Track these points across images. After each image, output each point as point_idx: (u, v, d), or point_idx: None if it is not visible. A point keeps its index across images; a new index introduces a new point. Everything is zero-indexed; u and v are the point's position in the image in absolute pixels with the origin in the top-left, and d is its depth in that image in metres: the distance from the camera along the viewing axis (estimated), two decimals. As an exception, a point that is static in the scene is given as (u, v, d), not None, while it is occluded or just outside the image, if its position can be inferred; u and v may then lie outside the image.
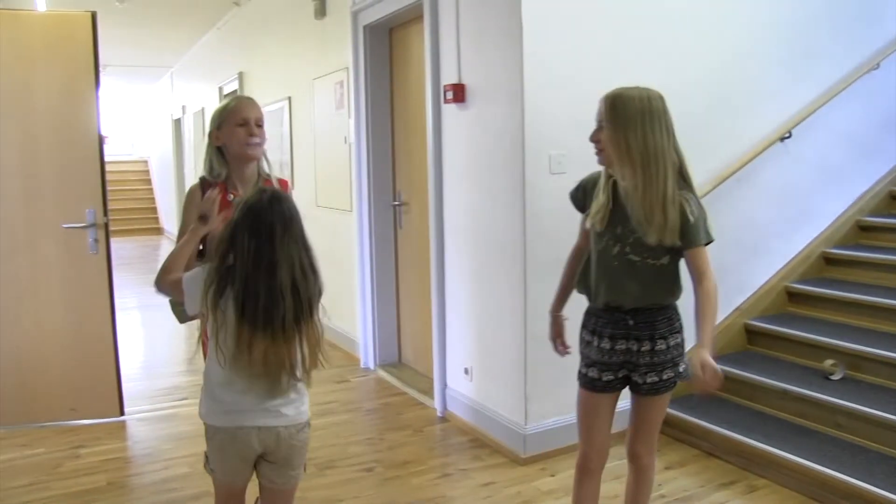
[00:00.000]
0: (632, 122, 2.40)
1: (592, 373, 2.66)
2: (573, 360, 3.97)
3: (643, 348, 2.55)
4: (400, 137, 5.36)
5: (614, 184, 2.53)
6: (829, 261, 5.00)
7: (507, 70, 3.81)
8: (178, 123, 13.49)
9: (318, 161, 6.42)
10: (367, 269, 5.55)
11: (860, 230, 5.16)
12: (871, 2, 5.17)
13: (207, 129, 2.85)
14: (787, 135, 4.67)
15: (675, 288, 2.57)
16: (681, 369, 2.58)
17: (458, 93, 4.16)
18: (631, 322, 2.54)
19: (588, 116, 3.83)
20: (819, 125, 4.83)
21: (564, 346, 2.89)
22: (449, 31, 4.29)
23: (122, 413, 4.59)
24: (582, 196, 2.71)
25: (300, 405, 2.32)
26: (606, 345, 2.60)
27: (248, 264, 2.12)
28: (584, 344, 2.70)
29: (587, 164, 3.89)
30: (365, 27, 5.27)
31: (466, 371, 4.35)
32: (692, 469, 3.78)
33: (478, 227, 4.15)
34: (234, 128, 2.74)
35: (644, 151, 2.39)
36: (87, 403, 4.53)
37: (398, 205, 5.44)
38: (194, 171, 11.19)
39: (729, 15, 4.38)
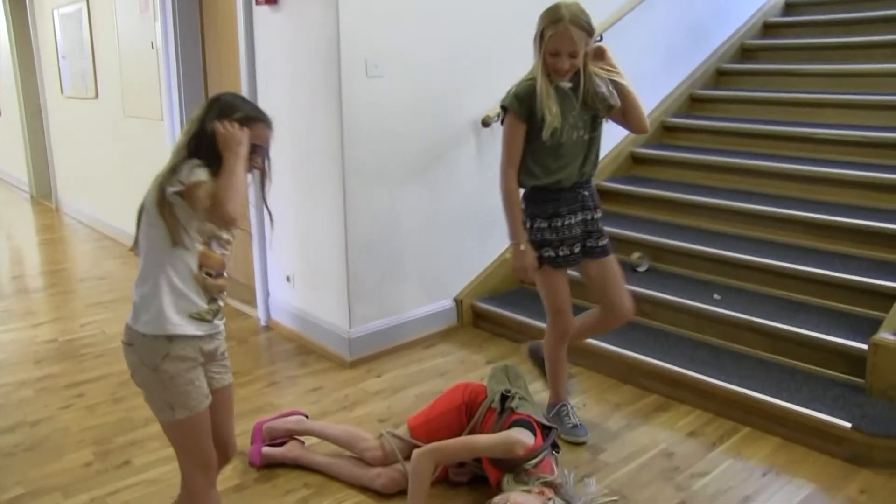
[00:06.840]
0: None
1: (563, 251, 2.91)
2: (394, 264, 4.05)
3: (596, 216, 2.95)
4: (210, 41, 5.10)
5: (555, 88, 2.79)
6: (636, 160, 5.26)
7: (320, -31, 3.69)
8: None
9: (123, 68, 6.05)
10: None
11: (665, 130, 5.44)
12: None
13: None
14: (598, 38, 4.78)
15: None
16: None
17: (270, -7, 4.00)
18: (586, 193, 2.92)
19: (406, 21, 3.83)
20: (630, 31, 4.98)
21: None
22: (257, -73, 4.09)
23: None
24: (526, 110, 2.79)
25: (138, 311, 2.02)
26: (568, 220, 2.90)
27: None
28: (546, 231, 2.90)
29: (405, 67, 3.90)
30: (167, -79, 4.93)
31: (288, 279, 4.31)
32: (511, 360, 3.94)
33: (296, 133, 4.05)
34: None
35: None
36: None
37: (212, 113, 5.23)
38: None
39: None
